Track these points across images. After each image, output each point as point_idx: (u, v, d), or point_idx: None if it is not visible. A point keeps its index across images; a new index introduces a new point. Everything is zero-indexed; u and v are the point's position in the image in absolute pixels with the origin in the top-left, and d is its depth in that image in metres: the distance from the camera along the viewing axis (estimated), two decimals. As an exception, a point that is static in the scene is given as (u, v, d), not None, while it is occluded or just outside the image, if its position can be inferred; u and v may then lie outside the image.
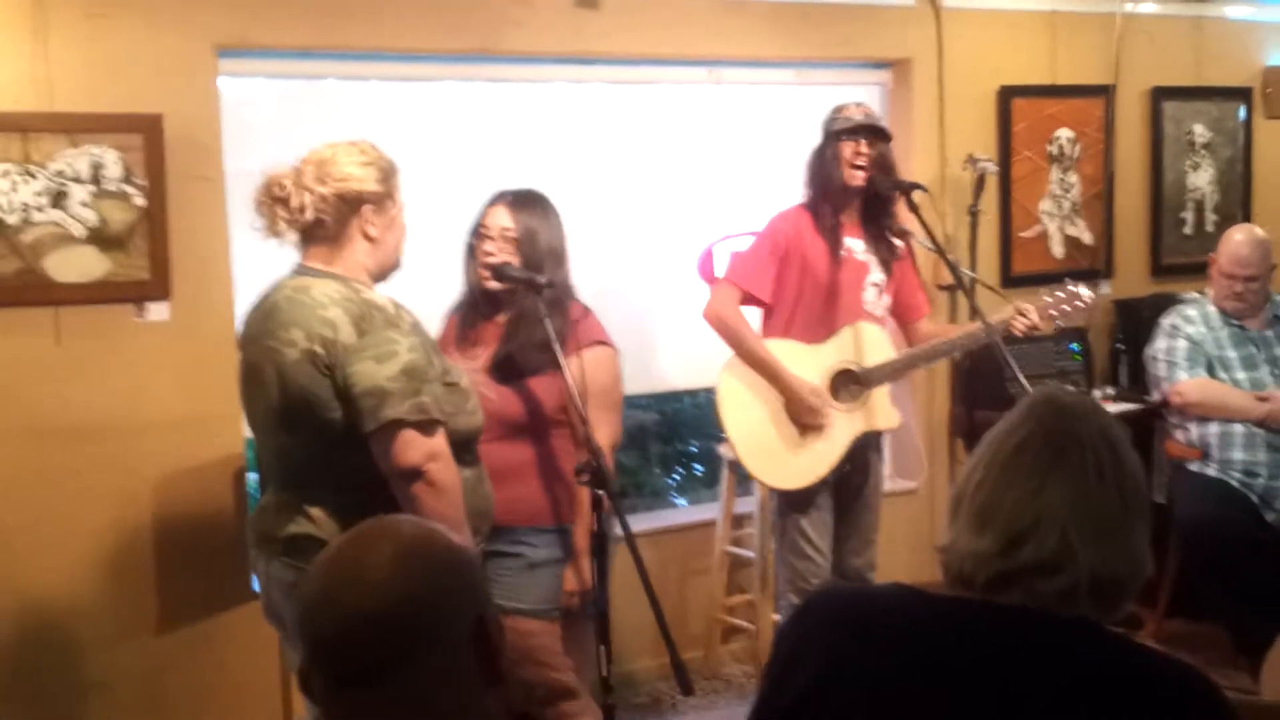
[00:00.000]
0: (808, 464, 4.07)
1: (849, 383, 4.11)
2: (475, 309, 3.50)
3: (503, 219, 3.41)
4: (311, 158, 2.89)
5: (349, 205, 2.86)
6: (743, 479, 4.92)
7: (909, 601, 1.72)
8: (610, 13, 4.62)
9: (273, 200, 2.85)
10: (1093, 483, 1.64)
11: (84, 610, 3.98)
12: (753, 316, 4.18)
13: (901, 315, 4.28)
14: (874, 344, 4.12)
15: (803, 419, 4.04)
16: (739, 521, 5.03)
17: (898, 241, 4.20)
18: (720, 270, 4.55)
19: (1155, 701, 1.56)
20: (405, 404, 2.71)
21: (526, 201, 3.46)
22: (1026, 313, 4.03)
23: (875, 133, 4.04)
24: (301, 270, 2.90)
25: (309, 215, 2.83)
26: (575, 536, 3.39)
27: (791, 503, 4.12)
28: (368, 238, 2.89)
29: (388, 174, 2.93)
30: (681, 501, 6.46)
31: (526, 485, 3.38)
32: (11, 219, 3.81)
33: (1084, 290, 4.13)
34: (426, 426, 2.74)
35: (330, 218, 2.86)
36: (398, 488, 2.75)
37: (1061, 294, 4.12)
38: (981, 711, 1.57)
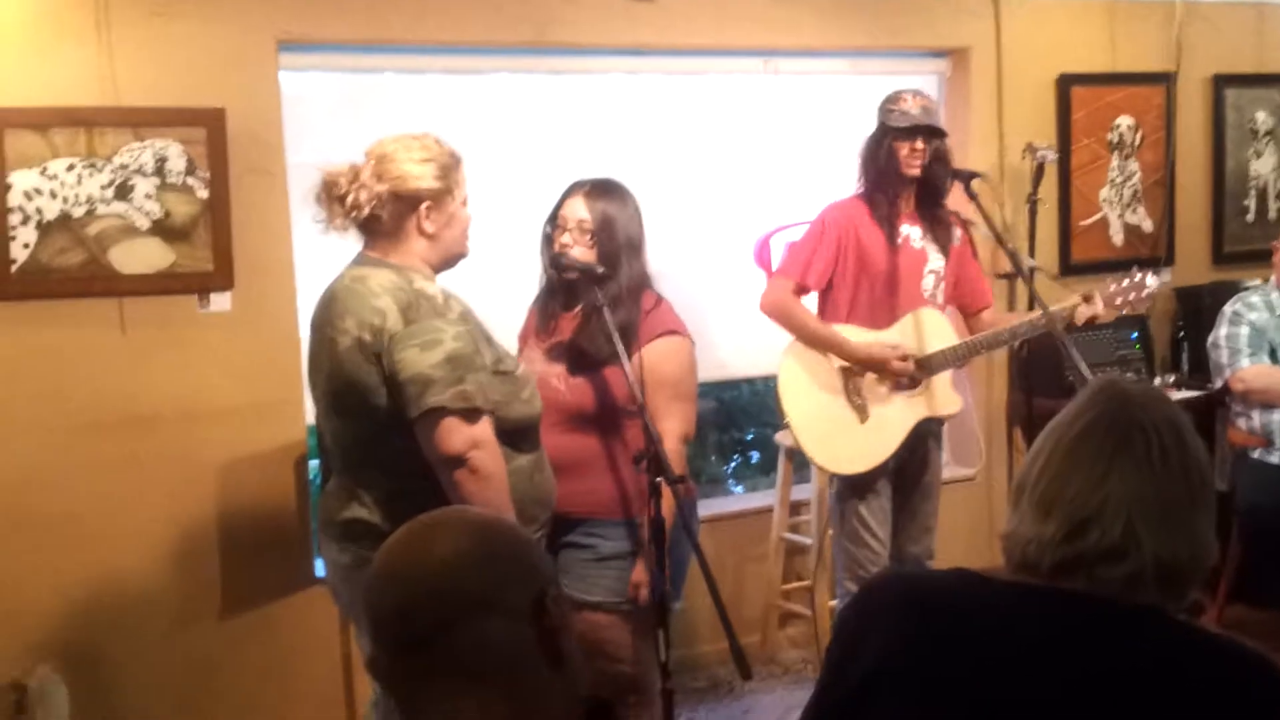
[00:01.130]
0: (868, 449, 4.06)
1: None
2: (553, 300, 3.49)
3: (579, 210, 3.38)
4: (374, 151, 2.91)
5: (405, 203, 2.88)
6: (800, 466, 4.92)
7: (971, 586, 1.72)
8: (665, 4, 4.62)
9: (330, 197, 2.88)
10: (1158, 469, 1.63)
11: (148, 595, 4.05)
12: (811, 307, 4.17)
13: (964, 304, 4.26)
14: (936, 330, 4.11)
15: (891, 371, 4.01)
16: (796, 508, 5.03)
17: (956, 229, 4.18)
18: (776, 260, 4.55)
19: (1221, 687, 1.55)
20: (448, 391, 2.73)
21: (604, 191, 3.41)
22: (1092, 300, 4.00)
23: (932, 132, 4.02)
24: (361, 260, 2.94)
25: (365, 212, 2.86)
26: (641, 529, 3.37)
27: (851, 489, 4.11)
28: (424, 234, 2.91)
29: (448, 169, 2.93)
30: (738, 489, 6.47)
31: (598, 477, 3.36)
32: (77, 211, 3.87)
33: (1149, 278, 4.09)
34: (469, 414, 2.76)
35: (386, 214, 2.88)
36: (441, 474, 2.78)
37: (1126, 282, 4.08)
38: (1045, 698, 1.57)
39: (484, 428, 2.79)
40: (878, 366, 4.02)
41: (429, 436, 2.76)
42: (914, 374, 4.04)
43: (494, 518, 1.60)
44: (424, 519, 1.58)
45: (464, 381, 2.76)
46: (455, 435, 2.75)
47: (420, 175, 2.88)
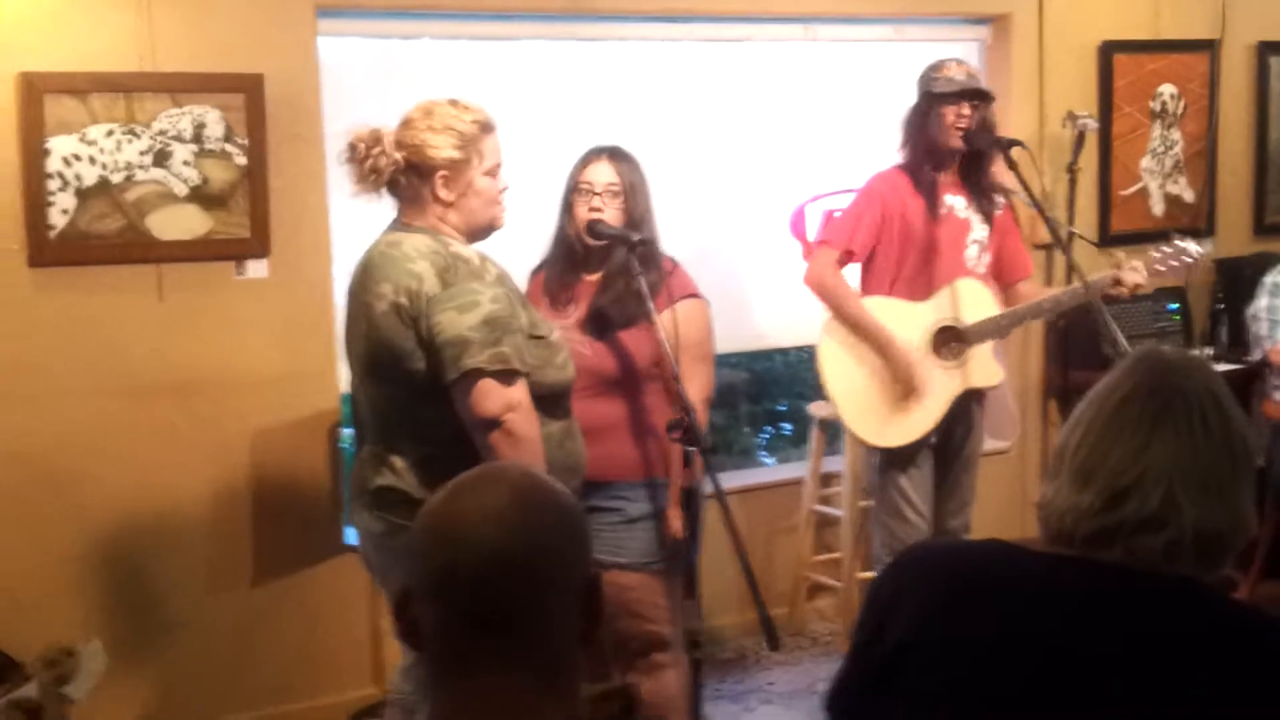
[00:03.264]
0: (911, 422, 4.04)
1: (951, 339, 4.07)
2: (570, 266, 3.51)
3: (606, 174, 3.41)
4: (404, 117, 2.93)
5: (421, 172, 2.89)
6: (832, 438, 4.91)
7: (1006, 557, 1.72)
8: (703, -31, 4.60)
9: (351, 160, 2.89)
10: (1199, 438, 1.61)
11: (181, 560, 4.08)
12: (852, 278, 4.16)
13: (1004, 275, 4.23)
14: (977, 300, 4.08)
15: (901, 384, 4.02)
16: (827, 480, 5.03)
17: (999, 198, 4.15)
18: (813, 230, 4.53)
19: (1259, 658, 1.55)
20: (485, 353, 2.74)
21: (624, 155, 3.47)
22: (1135, 269, 3.96)
23: (979, 95, 3.99)
24: (396, 225, 2.96)
25: (385, 177, 2.88)
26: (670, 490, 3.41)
27: (893, 461, 4.10)
28: (441, 201, 2.91)
29: (470, 139, 2.91)
30: (769, 460, 6.47)
31: (622, 440, 3.40)
32: (116, 178, 3.89)
33: (1192, 245, 4.06)
34: (506, 376, 2.77)
35: (405, 180, 2.90)
36: (476, 437, 2.79)
37: (1169, 249, 4.05)
38: (1080, 669, 1.57)
39: (520, 390, 2.80)
40: (899, 373, 4.00)
41: (465, 398, 2.76)
42: (916, 390, 4.01)
43: (545, 480, 1.59)
44: (473, 477, 1.57)
45: (501, 344, 2.76)
46: (491, 397, 2.75)
47: (436, 144, 2.87)
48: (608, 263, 3.42)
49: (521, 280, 3.41)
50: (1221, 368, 4.95)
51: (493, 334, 2.76)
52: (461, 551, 1.47)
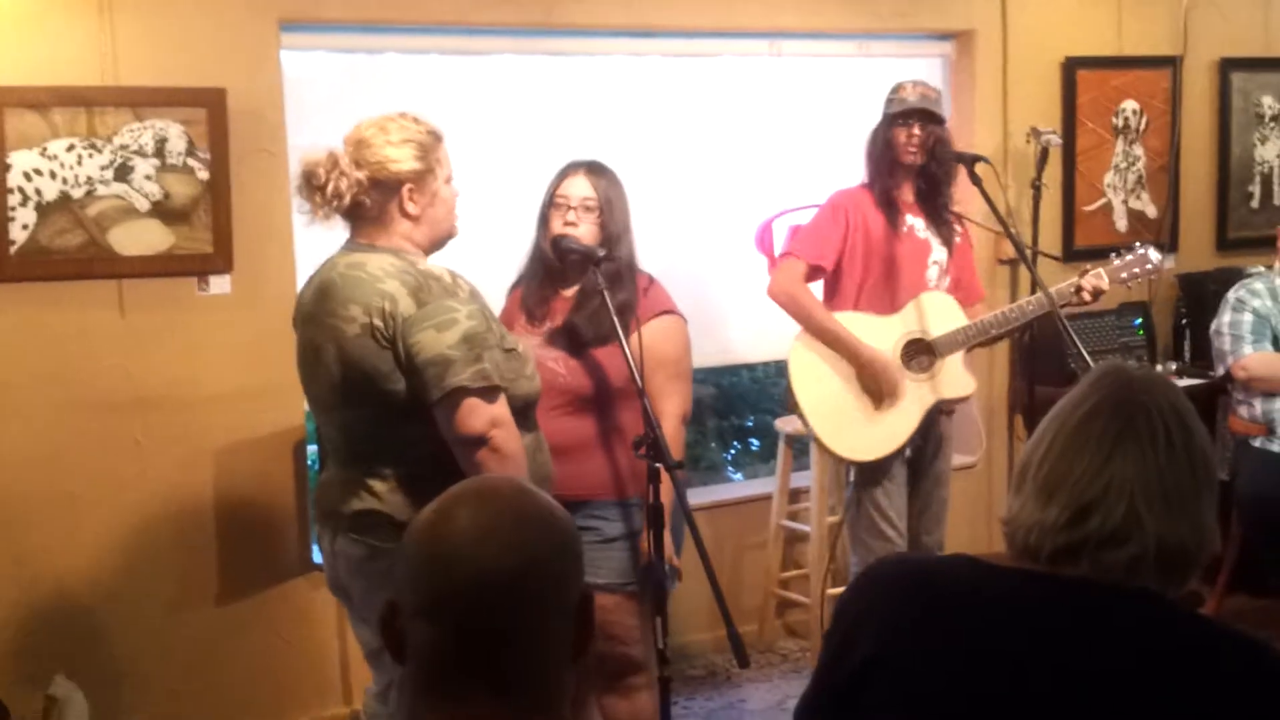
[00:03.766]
0: (883, 435, 4.05)
1: (919, 353, 4.08)
2: (546, 281, 3.47)
3: (583, 188, 3.38)
4: (351, 138, 2.88)
5: (386, 188, 2.85)
6: (799, 453, 4.91)
7: (973, 573, 1.71)
8: (669, -15, 4.60)
9: (311, 187, 2.84)
10: (1162, 452, 1.62)
11: (145, 579, 4.04)
12: (817, 293, 4.16)
13: (959, 300, 4.23)
14: (944, 313, 4.09)
15: (876, 390, 4.02)
16: (795, 495, 5.03)
17: (956, 226, 4.17)
18: (779, 245, 4.53)
19: (1223, 675, 1.55)
20: (468, 371, 2.72)
21: (603, 170, 3.43)
22: (1097, 275, 3.99)
23: (927, 116, 4.01)
24: (353, 246, 2.91)
25: (346, 200, 2.83)
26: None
27: (867, 477, 4.10)
28: (409, 216, 2.88)
29: (427, 148, 2.89)
30: (737, 476, 6.47)
31: (597, 458, 3.36)
32: (77, 192, 3.85)
33: (1153, 252, 4.11)
34: (489, 393, 2.75)
35: (369, 200, 2.85)
36: (462, 455, 2.76)
37: (1130, 256, 4.09)
38: (1046, 685, 1.56)
39: (502, 406, 2.79)
40: (873, 379, 4.00)
41: (450, 417, 2.74)
42: (893, 392, 4.01)
43: (552, 502, 1.57)
44: (483, 491, 1.55)
45: (482, 360, 2.75)
46: (477, 415, 2.73)
47: (399, 158, 2.84)
48: (584, 279, 3.39)
49: (497, 296, 3.38)
50: (1185, 383, 4.98)
51: (473, 351, 2.74)
52: (456, 569, 1.44)
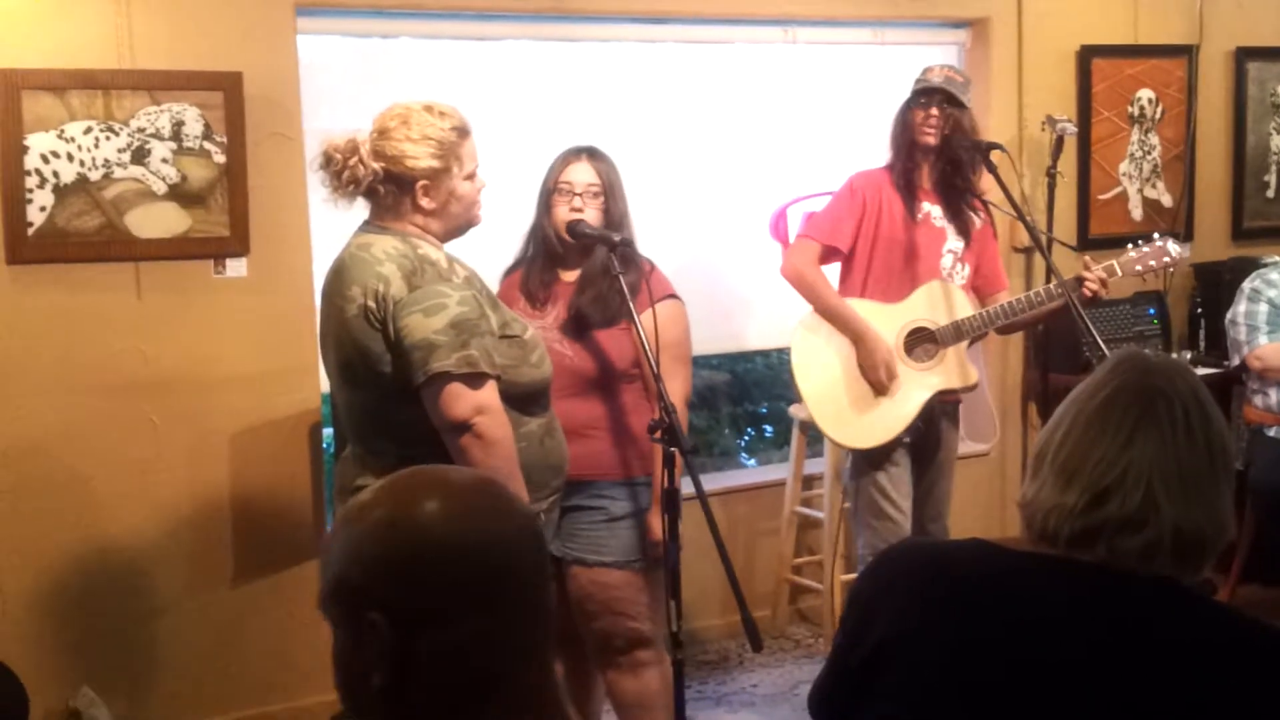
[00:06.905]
0: (881, 423, 4.04)
1: (924, 341, 4.07)
2: (548, 265, 3.50)
3: (587, 174, 3.41)
4: (377, 124, 2.89)
5: (402, 181, 2.86)
6: (813, 440, 4.91)
7: (988, 557, 1.72)
8: (685, -29, 4.60)
9: (329, 170, 2.87)
10: (1180, 438, 1.62)
11: (160, 560, 4.06)
12: (831, 276, 4.16)
13: (980, 288, 4.21)
14: (950, 302, 4.08)
15: (872, 376, 4.02)
16: (809, 482, 5.03)
17: (977, 215, 4.15)
18: (793, 231, 4.53)
19: (1240, 662, 1.55)
20: (452, 356, 2.73)
21: (602, 155, 3.48)
22: (1107, 267, 3.97)
23: (946, 97, 4.00)
24: (366, 228, 2.94)
25: (362, 187, 2.85)
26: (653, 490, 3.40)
27: (869, 462, 4.08)
28: (422, 210, 2.89)
29: (449, 146, 2.88)
30: (751, 462, 6.46)
31: (602, 440, 3.41)
32: (94, 175, 3.86)
33: (1172, 245, 4.07)
34: (474, 379, 2.75)
35: (384, 189, 2.87)
36: (447, 440, 2.78)
37: (1148, 248, 4.06)
38: (1060, 669, 1.57)
39: (489, 392, 2.79)
40: (873, 367, 4.00)
41: (434, 402, 2.76)
42: (886, 383, 4.01)
43: (485, 483, 1.51)
44: (401, 478, 1.49)
45: (468, 346, 2.75)
46: (460, 401, 2.74)
47: (415, 155, 2.84)
48: (586, 262, 3.42)
49: (493, 280, 3.39)
50: (1200, 372, 4.95)
51: (459, 337, 2.75)
52: (504, 554, 1.40)
